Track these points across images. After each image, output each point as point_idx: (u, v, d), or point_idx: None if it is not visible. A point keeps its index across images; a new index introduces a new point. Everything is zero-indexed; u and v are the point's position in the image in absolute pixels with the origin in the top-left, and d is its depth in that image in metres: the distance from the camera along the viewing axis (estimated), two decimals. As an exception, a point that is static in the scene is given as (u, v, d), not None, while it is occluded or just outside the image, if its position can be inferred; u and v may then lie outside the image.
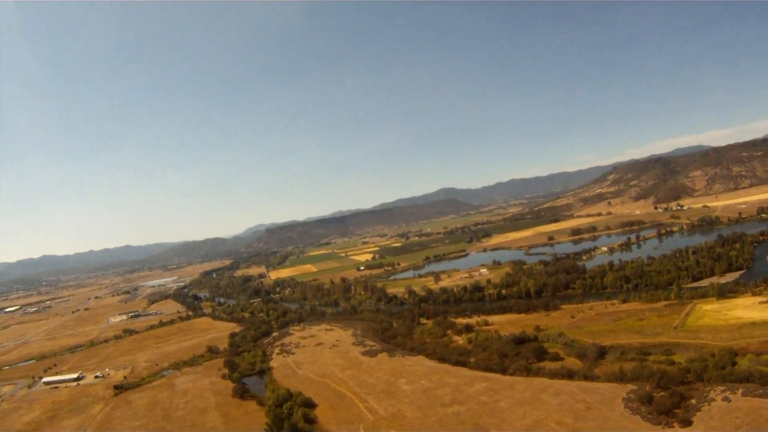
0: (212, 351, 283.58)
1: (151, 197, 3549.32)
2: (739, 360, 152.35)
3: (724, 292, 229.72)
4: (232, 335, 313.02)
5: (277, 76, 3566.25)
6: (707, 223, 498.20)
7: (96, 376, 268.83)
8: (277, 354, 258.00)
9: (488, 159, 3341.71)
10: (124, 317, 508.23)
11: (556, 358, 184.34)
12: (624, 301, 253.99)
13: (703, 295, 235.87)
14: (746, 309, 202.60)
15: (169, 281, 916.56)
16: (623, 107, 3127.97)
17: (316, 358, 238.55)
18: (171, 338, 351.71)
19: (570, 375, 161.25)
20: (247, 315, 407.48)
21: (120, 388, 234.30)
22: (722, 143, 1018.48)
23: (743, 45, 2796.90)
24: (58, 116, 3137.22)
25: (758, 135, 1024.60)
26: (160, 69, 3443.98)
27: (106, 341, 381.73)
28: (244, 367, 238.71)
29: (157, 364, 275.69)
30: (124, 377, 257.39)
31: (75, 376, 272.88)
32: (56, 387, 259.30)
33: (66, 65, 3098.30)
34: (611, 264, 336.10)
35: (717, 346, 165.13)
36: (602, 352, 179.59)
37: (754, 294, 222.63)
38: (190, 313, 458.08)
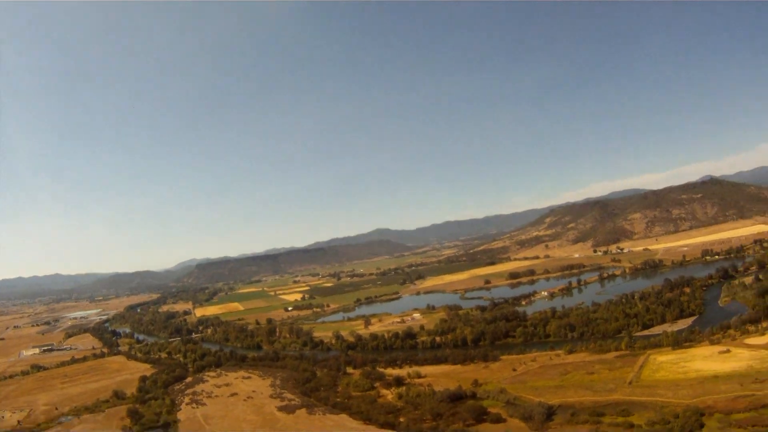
0: (118, 396, 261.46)
1: (84, 225, 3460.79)
2: (706, 421, 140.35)
3: (679, 342, 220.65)
4: (143, 379, 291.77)
5: (212, 107, 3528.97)
6: (650, 266, 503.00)
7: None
8: (187, 404, 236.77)
9: (423, 200, 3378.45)
10: (37, 351, 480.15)
11: (498, 419, 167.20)
12: (570, 352, 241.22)
13: (656, 344, 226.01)
14: (706, 360, 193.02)
15: (92, 314, 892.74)
16: (558, 150, 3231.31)
17: (228, 411, 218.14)
18: (79, 378, 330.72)
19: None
20: (164, 355, 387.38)
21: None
22: (657, 187, 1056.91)
23: (676, 90, 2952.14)
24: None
25: (692, 178, 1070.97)
26: (100, 92, 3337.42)
27: (11, 377, 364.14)
28: (149, 418, 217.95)
29: (57, 408, 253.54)
30: (18, 422, 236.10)
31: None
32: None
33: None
34: (554, 310, 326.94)
35: (680, 405, 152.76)
36: (550, 413, 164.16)
37: (712, 343, 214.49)
38: (105, 350, 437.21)
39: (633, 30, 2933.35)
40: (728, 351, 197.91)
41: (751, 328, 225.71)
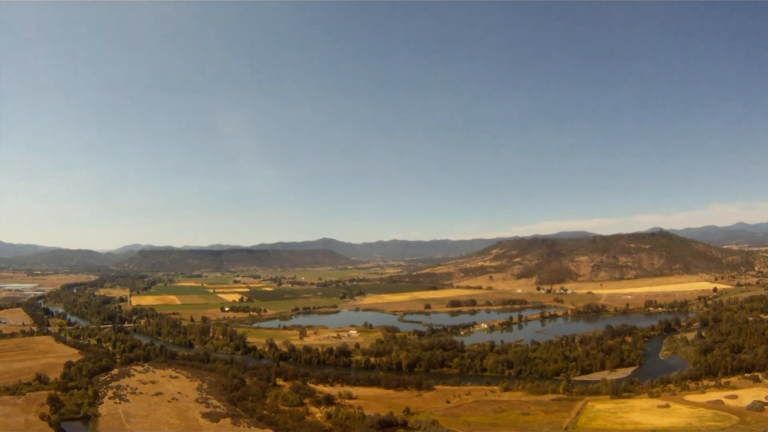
0: (41, 380, 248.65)
1: (29, 194, 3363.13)
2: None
3: (618, 391, 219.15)
4: (68, 365, 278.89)
5: (168, 94, 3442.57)
6: (593, 310, 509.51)
7: None
8: (110, 398, 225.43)
9: (372, 216, 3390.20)
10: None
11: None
12: (506, 389, 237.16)
13: (595, 391, 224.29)
14: (644, 413, 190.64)
15: (28, 287, 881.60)
16: (510, 186, 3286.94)
17: (151, 411, 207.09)
18: (4, 355, 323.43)
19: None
20: (93, 342, 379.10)
21: None
22: (604, 232, 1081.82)
23: (633, 140, 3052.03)
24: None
25: (641, 228, 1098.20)
26: (56, 66, 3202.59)
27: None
28: (70, 408, 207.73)
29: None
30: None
31: None
32: None
33: None
34: (492, 344, 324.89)
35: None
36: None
37: (651, 396, 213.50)
38: (34, 328, 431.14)
39: (597, 75, 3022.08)
40: (668, 406, 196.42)
41: (692, 384, 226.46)
